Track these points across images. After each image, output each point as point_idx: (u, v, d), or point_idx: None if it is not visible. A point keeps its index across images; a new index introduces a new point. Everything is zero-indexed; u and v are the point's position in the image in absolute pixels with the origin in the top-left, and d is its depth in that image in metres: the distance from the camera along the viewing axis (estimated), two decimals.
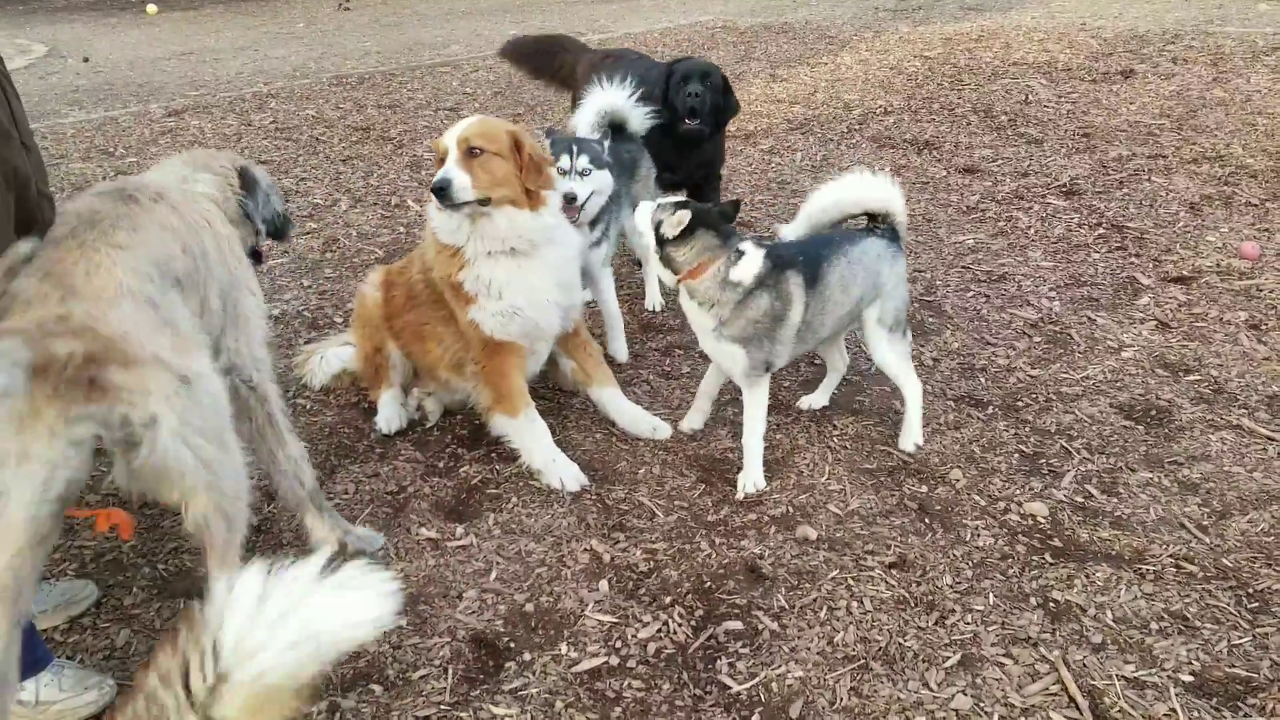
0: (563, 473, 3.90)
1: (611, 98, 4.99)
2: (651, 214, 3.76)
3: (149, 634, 3.22)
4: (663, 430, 4.20)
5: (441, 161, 3.71)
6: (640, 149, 5.15)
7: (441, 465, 4.06)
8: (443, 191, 3.65)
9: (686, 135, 5.30)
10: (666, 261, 3.74)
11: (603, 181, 4.49)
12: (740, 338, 3.71)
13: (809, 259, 3.76)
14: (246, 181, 3.41)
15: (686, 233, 3.66)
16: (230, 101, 10.05)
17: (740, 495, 3.77)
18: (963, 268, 5.68)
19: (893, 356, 3.96)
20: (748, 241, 3.75)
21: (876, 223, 3.96)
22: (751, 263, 3.67)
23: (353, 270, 5.94)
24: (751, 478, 3.82)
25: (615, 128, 5.03)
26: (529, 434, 3.96)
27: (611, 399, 4.29)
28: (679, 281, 3.74)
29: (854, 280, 3.81)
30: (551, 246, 3.94)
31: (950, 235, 6.15)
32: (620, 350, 4.86)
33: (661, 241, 3.71)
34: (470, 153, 3.69)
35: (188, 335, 2.65)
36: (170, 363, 2.45)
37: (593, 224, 4.61)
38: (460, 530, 3.65)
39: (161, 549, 3.62)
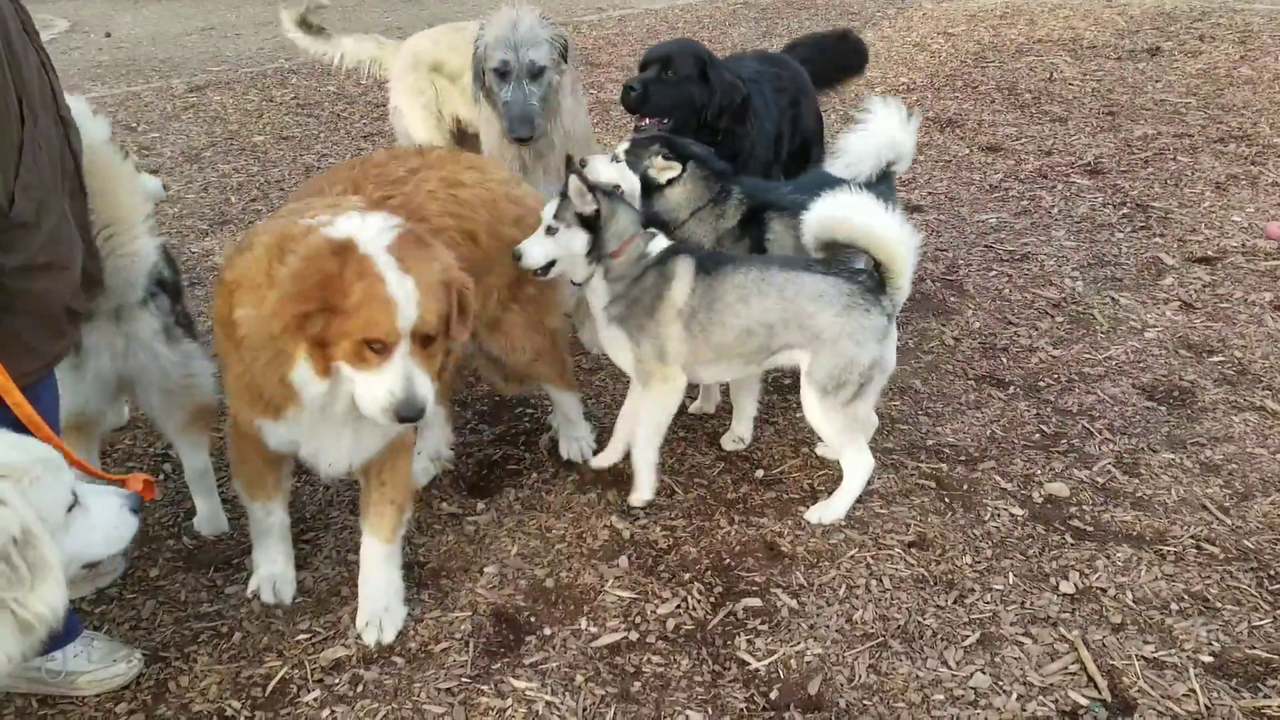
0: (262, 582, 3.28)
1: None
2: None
3: (174, 605, 3.26)
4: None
5: (378, 345, 2.56)
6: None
7: (462, 441, 4.08)
8: (422, 413, 2.64)
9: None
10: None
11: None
12: (621, 319, 3.48)
13: (719, 256, 3.52)
14: None
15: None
16: (252, 77, 10.06)
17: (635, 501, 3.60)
18: (985, 247, 5.65)
19: (823, 421, 3.42)
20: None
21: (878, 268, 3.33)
22: (660, 241, 3.48)
23: None
24: (639, 492, 3.60)
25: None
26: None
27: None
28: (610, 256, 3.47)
29: (756, 301, 3.35)
30: None
31: (973, 214, 6.11)
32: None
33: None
34: (426, 342, 2.64)
35: None
36: None
37: None
38: (481, 506, 3.67)
39: (186, 519, 3.66)
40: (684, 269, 3.42)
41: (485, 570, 3.35)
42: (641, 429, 3.58)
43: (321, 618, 3.18)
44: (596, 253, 3.42)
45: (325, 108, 8.88)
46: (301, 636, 3.11)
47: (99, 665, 2.91)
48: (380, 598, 3.12)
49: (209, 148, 7.89)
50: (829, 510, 3.50)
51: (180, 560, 3.48)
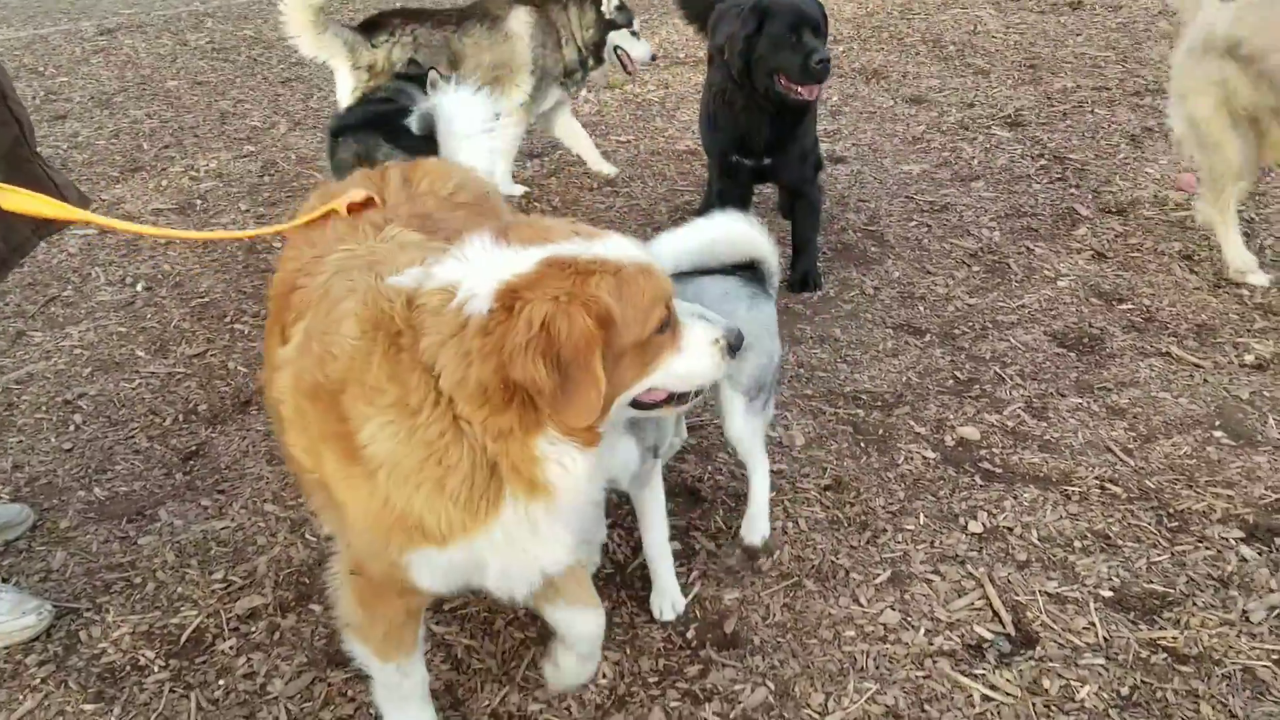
0: None
1: None
2: None
3: (85, 556, 3.21)
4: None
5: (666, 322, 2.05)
6: None
7: None
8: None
9: (795, 107, 4.33)
10: None
11: None
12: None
13: None
14: None
15: None
16: (165, 20, 9.75)
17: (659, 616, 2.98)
18: (906, 198, 5.71)
19: (748, 433, 3.09)
20: None
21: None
22: None
23: (292, 194, 5.83)
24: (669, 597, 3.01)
25: None
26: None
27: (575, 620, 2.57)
28: None
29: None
30: None
31: (895, 165, 6.17)
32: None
33: None
34: None
35: None
36: None
37: None
38: None
39: (97, 470, 3.59)
40: None
41: None
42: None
43: (238, 567, 3.15)
44: None
45: (241, 52, 8.65)
46: (217, 586, 3.08)
47: (7, 617, 2.86)
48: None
49: (120, 93, 7.64)
50: (761, 526, 3.23)
51: (91, 511, 3.42)
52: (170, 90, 7.63)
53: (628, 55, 5.90)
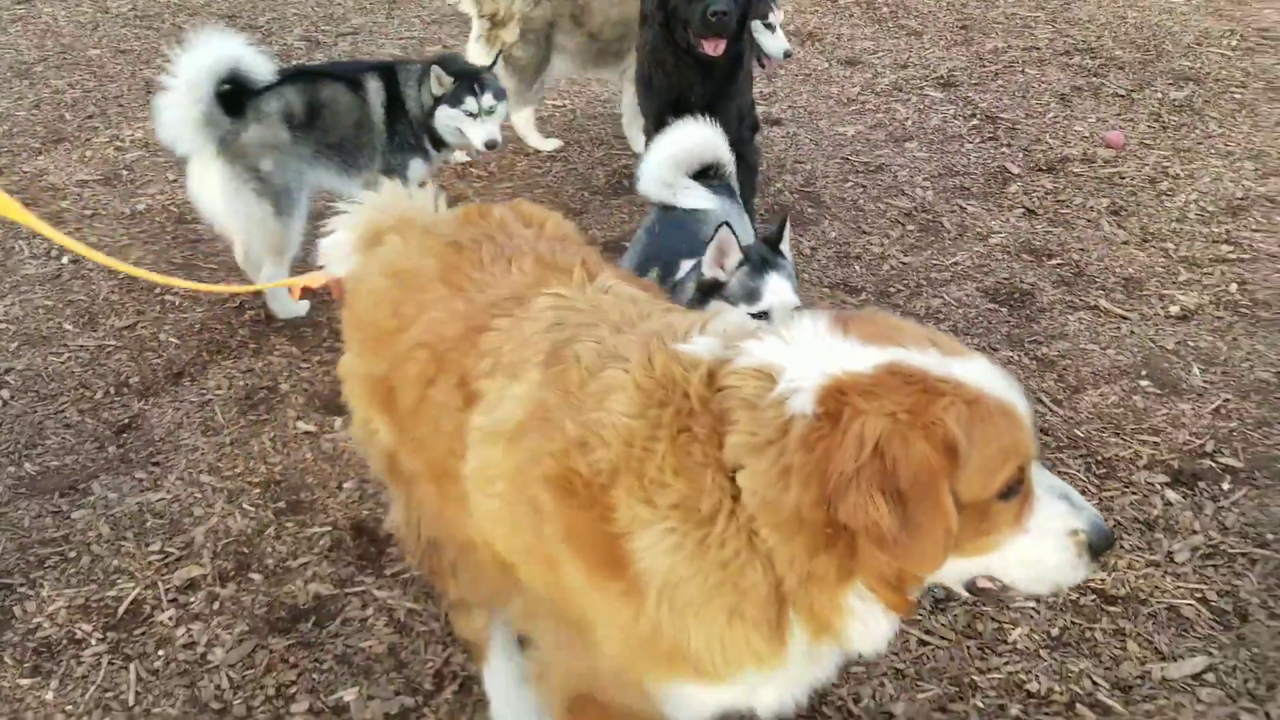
0: None
1: None
2: None
3: (17, 532, 3.15)
4: None
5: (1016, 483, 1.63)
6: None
7: (317, 359, 4.00)
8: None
9: (708, 62, 4.25)
10: None
11: None
12: None
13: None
14: None
15: None
16: None
17: None
18: (842, 159, 5.75)
19: None
20: None
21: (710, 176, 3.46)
22: None
23: None
24: None
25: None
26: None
27: None
28: None
29: None
30: None
31: (831, 127, 6.20)
32: None
33: None
34: None
35: None
36: None
37: None
38: (339, 422, 3.62)
39: (27, 445, 3.52)
40: None
41: (344, 486, 3.32)
42: None
43: (175, 538, 3.12)
44: None
45: (165, 19, 8.41)
46: (154, 558, 3.04)
47: None
48: None
49: (40, 62, 7.41)
50: None
51: (22, 486, 3.35)
52: (92, 59, 7.41)
53: (761, 49, 5.12)
